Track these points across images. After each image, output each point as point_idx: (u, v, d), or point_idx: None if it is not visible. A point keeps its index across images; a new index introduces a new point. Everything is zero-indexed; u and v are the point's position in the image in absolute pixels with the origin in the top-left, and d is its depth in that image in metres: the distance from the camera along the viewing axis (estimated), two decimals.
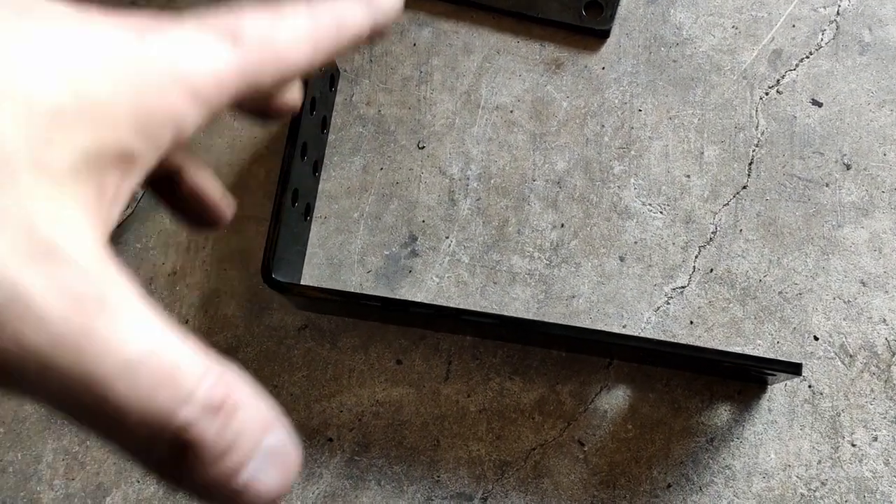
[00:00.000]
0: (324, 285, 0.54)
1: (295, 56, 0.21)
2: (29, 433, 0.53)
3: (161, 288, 0.55)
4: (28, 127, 0.16)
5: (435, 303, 0.53)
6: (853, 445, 0.49)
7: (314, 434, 0.52)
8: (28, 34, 0.16)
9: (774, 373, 0.45)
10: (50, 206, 0.16)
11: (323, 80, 0.53)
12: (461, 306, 0.53)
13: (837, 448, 0.49)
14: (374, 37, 0.23)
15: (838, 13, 0.55)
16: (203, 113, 0.19)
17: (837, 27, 0.55)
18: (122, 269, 0.17)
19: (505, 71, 0.56)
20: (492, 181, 0.55)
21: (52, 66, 0.16)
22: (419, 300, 0.53)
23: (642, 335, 0.51)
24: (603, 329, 0.51)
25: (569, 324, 0.52)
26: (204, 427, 0.16)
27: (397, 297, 0.53)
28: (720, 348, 0.51)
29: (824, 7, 0.56)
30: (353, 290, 0.53)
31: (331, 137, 0.56)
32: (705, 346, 0.51)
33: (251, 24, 0.20)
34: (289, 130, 0.49)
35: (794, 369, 0.44)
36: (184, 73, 0.18)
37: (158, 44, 0.18)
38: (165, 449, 0.16)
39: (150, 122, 0.18)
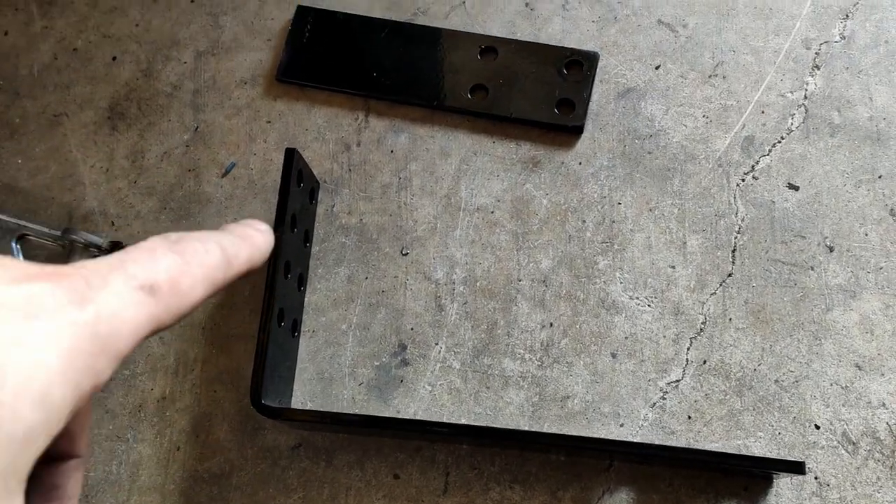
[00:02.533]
0: (315, 402, 0.53)
1: (196, 297, 0.24)
2: None
3: (150, 415, 0.54)
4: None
5: (429, 413, 0.52)
6: None
7: None
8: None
9: (778, 471, 0.45)
10: None
11: (303, 194, 0.53)
12: (455, 414, 0.52)
13: None
14: (252, 272, 0.28)
15: (806, 97, 0.56)
16: (117, 365, 0.22)
17: (806, 111, 0.56)
18: None
19: (483, 172, 0.57)
20: (478, 284, 0.54)
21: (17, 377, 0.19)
22: (412, 411, 0.52)
23: (640, 434, 0.50)
24: (599, 435, 0.50)
25: (565, 428, 0.51)
26: None
27: (391, 408, 0.52)
28: (720, 443, 0.50)
29: (791, 92, 0.57)
30: (345, 405, 0.53)
31: (314, 249, 0.56)
32: (705, 440, 0.50)
33: (163, 271, 0.23)
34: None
35: (797, 468, 0.43)
36: (112, 340, 0.21)
37: (94, 311, 0.21)
38: None
39: (79, 387, 0.21)
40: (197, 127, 0.59)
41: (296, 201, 0.52)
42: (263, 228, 0.30)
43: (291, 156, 0.51)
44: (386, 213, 0.56)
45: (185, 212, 0.57)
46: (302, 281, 0.54)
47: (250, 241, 0.28)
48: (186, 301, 0.24)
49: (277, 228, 0.49)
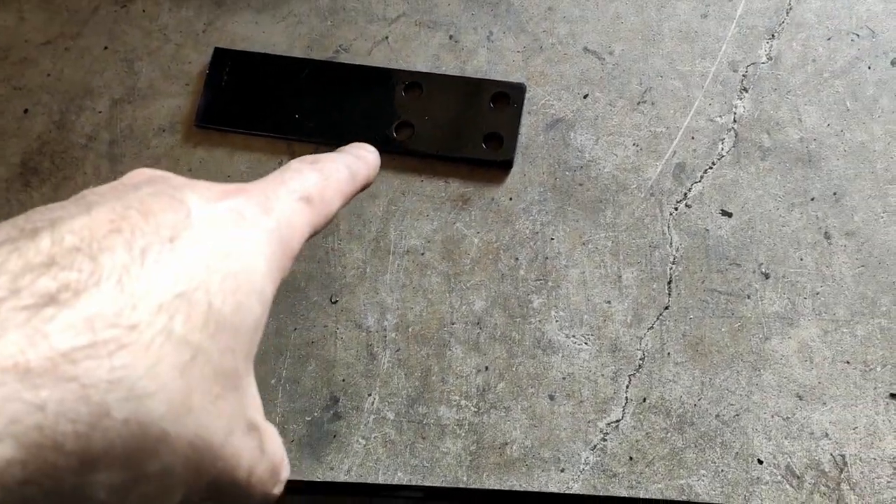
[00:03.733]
0: None
1: (336, 206, 0.30)
2: None
3: None
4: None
5: (364, 468, 0.50)
6: None
7: None
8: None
9: None
10: (248, 394, 0.25)
11: None
12: (390, 468, 0.50)
13: None
14: (367, 185, 0.34)
15: (735, 121, 0.55)
16: (293, 263, 0.27)
17: (736, 134, 0.55)
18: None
19: (412, 212, 0.55)
20: (410, 329, 0.53)
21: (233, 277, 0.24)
22: (346, 467, 0.50)
23: (581, 478, 0.49)
24: (540, 482, 0.49)
25: (504, 477, 0.49)
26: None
27: (323, 465, 0.50)
28: (663, 483, 0.48)
29: (720, 116, 0.56)
30: None
31: None
32: (648, 482, 0.48)
33: (313, 185, 0.29)
34: None
35: None
36: (290, 241, 0.26)
37: (276, 219, 0.26)
38: None
39: (276, 281, 0.26)
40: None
41: None
42: (372, 149, 0.35)
43: None
44: (313, 259, 0.55)
45: None
46: None
47: (364, 160, 0.34)
48: (330, 209, 0.30)
49: None
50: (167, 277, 0.22)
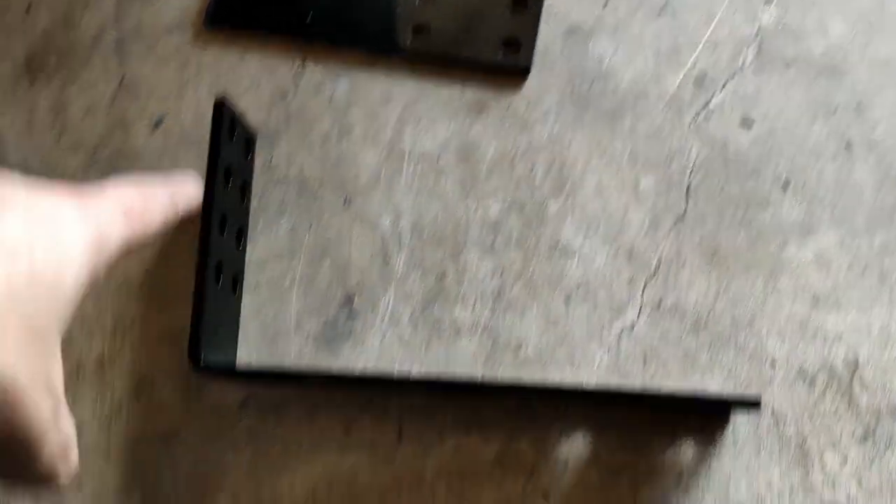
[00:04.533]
0: (261, 357, 0.51)
1: (154, 227, 0.32)
2: None
3: (90, 375, 0.51)
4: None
5: (379, 364, 0.50)
6: (823, 470, 0.47)
7: None
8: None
9: (734, 408, 0.44)
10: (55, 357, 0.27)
11: (237, 146, 0.50)
12: (405, 365, 0.50)
13: (808, 473, 0.47)
14: (191, 216, 0.36)
15: (758, 31, 0.55)
16: (104, 269, 0.29)
17: (760, 45, 0.54)
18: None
19: (427, 118, 0.54)
20: (425, 233, 0.52)
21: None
22: (362, 363, 0.50)
23: (596, 378, 0.49)
24: (554, 378, 0.49)
25: (518, 375, 0.49)
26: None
27: (339, 361, 0.50)
28: (676, 383, 0.49)
29: (744, 26, 0.55)
30: (292, 360, 0.51)
31: (253, 203, 0.53)
32: (661, 381, 0.49)
33: (133, 202, 0.31)
34: (203, 207, 0.46)
35: (754, 405, 0.42)
36: (105, 247, 0.29)
37: (96, 223, 0.28)
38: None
39: (88, 276, 0.28)
40: (122, 78, 0.56)
41: (229, 154, 0.49)
42: (193, 180, 0.37)
43: (221, 108, 0.48)
44: (327, 163, 0.54)
45: (114, 168, 0.54)
46: (241, 235, 0.52)
47: (185, 191, 0.36)
48: (148, 229, 0.32)
49: (209, 183, 0.46)
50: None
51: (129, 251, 0.31)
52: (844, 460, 0.47)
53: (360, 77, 0.55)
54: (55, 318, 0.26)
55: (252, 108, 0.55)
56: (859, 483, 0.47)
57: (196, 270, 0.45)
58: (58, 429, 0.27)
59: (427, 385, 0.47)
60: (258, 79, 0.56)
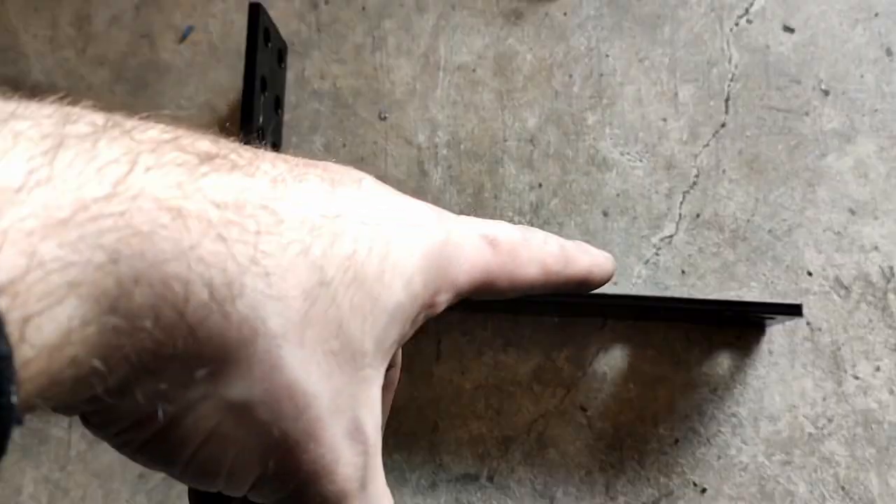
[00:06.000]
0: None
1: (528, 274, 0.24)
2: (5, 465, 0.50)
3: None
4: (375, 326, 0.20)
5: None
6: (856, 378, 0.48)
7: None
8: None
9: (774, 317, 0.44)
10: (369, 391, 0.20)
11: (270, 55, 0.49)
12: None
13: (841, 382, 0.48)
14: (586, 287, 0.27)
15: None
16: (450, 299, 0.23)
17: None
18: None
19: (462, 28, 0.53)
20: (462, 146, 0.52)
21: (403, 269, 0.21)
22: None
23: (633, 291, 0.49)
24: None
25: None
26: None
27: None
28: (714, 295, 0.49)
29: None
30: None
31: (286, 117, 0.53)
32: (699, 294, 0.49)
33: (505, 234, 0.24)
34: (241, 115, 0.45)
35: (795, 310, 0.42)
36: (453, 268, 0.22)
37: (446, 232, 0.22)
38: None
39: (426, 292, 0.22)
40: None
41: (264, 64, 0.48)
42: (608, 256, 0.28)
43: (257, 12, 0.46)
44: (361, 75, 0.53)
45: (142, 81, 0.53)
46: (276, 150, 0.51)
47: (591, 254, 0.27)
48: (520, 272, 0.24)
49: (247, 90, 0.45)
50: (322, 202, 0.20)
51: (490, 293, 0.24)
52: (877, 369, 0.48)
53: None
54: (372, 340, 0.20)
55: (282, 19, 0.53)
56: (891, 391, 0.48)
57: None
58: (367, 501, 0.20)
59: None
60: None
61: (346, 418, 0.19)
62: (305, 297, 0.18)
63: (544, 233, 0.26)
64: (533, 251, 0.24)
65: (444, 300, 0.22)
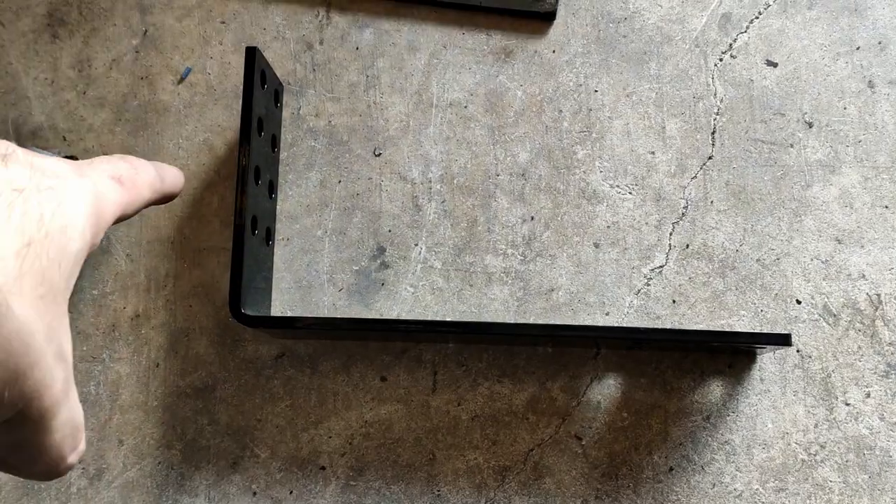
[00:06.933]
0: (294, 310, 0.52)
1: (145, 196, 0.32)
2: (6, 501, 0.50)
3: (125, 333, 0.52)
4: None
5: (413, 314, 0.51)
6: (847, 404, 0.49)
7: (305, 464, 0.50)
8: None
9: (764, 346, 0.45)
10: (65, 320, 0.26)
11: (267, 96, 0.50)
12: (439, 313, 0.51)
13: (832, 409, 0.49)
14: (172, 197, 0.36)
15: None
16: (102, 235, 0.29)
17: None
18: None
19: (454, 66, 0.54)
20: (455, 181, 0.53)
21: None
22: (395, 313, 0.51)
23: (626, 321, 0.50)
24: (585, 323, 0.50)
25: (551, 320, 0.50)
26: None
27: (373, 311, 0.51)
28: (705, 324, 0.50)
29: None
30: (325, 312, 0.52)
31: (283, 155, 0.54)
32: (690, 323, 0.50)
33: (125, 170, 0.31)
34: (238, 157, 0.46)
35: (784, 340, 0.43)
36: (102, 210, 0.29)
37: (91, 183, 0.28)
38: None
39: (92, 236, 0.28)
40: (146, 31, 0.55)
41: (260, 104, 0.49)
42: (179, 170, 0.37)
43: (253, 55, 0.48)
44: (355, 113, 0.54)
45: (142, 122, 0.54)
46: (272, 188, 0.52)
47: (170, 172, 0.35)
48: (140, 197, 0.32)
49: (244, 130, 0.47)
50: (4, 178, 0.24)
51: (123, 218, 0.31)
52: (867, 395, 0.49)
53: (385, 26, 0.55)
54: (65, 280, 0.25)
55: (278, 60, 0.55)
56: (882, 417, 0.48)
57: (234, 222, 0.46)
58: (69, 404, 0.26)
59: (461, 327, 0.48)
60: (283, 29, 0.55)
61: (55, 345, 0.25)
62: (17, 256, 0.23)
63: (142, 160, 0.33)
64: (144, 178, 0.32)
65: (99, 236, 0.29)
